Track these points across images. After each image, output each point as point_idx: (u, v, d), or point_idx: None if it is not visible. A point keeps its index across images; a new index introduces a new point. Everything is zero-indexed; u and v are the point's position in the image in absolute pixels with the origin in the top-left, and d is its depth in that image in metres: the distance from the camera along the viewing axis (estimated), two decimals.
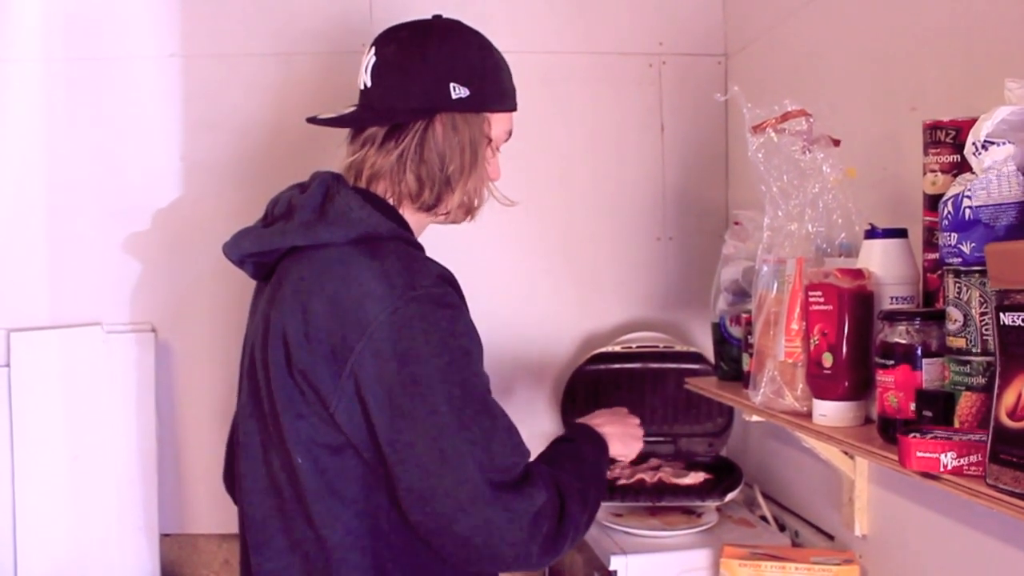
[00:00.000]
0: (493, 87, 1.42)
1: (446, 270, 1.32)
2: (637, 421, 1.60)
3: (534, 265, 2.20)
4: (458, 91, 1.36)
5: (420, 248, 1.38)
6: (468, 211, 1.46)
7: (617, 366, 2.13)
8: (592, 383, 2.13)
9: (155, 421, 2.04)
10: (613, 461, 1.56)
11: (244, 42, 2.10)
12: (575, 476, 1.36)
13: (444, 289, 1.28)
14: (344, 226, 1.29)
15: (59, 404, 1.99)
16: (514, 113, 1.47)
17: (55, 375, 2.00)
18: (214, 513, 2.09)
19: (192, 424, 2.10)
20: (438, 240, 2.07)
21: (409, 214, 1.41)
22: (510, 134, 1.48)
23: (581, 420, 1.57)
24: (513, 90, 1.46)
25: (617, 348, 2.14)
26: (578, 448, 1.46)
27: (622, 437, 1.53)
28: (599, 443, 1.49)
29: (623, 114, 2.22)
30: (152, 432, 2.04)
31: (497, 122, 1.43)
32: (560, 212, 2.21)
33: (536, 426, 2.21)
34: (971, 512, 1.30)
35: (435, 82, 1.36)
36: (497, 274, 2.18)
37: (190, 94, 2.08)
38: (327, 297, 1.25)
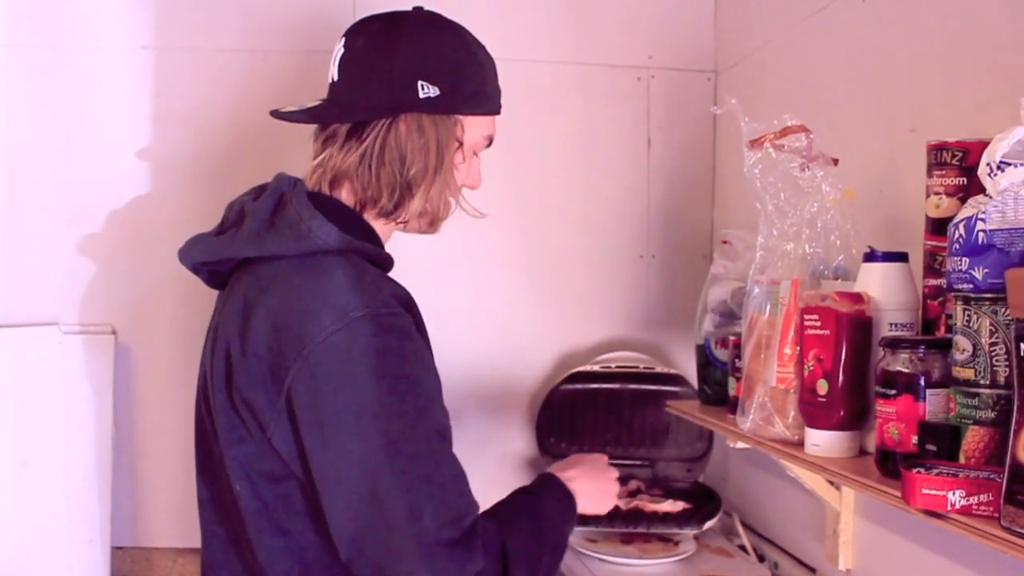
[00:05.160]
0: (469, 88, 1.30)
1: (402, 290, 1.22)
2: (615, 475, 1.47)
3: (512, 279, 2.14)
4: (427, 90, 1.26)
5: (384, 260, 1.29)
6: (431, 221, 1.35)
7: (595, 386, 2.07)
8: (569, 402, 2.07)
9: (111, 427, 1.96)
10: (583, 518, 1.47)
11: (221, 37, 2.02)
12: (529, 537, 1.24)
13: (393, 311, 1.16)
14: (292, 238, 1.19)
15: (10, 407, 1.90)
16: (496, 117, 1.36)
17: (7, 376, 1.91)
18: (170, 526, 2.00)
19: (151, 432, 2.02)
20: (415, 252, 2.02)
21: (372, 220, 1.31)
22: (491, 140, 1.37)
23: (553, 469, 1.42)
24: (495, 92, 1.36)
25: (596, 367, 2.08)
26: (539, 504, 1.32)
27: (594, 494, 1.40)
28: (566, 500, 1.35)
29: (609, 127, 2.17)
30: (108, 439, 1.95)
31: (473, 126, 1.32)
32: (541, 225, 2.15)
33: (510, 445, 2.15)
34: (966, 551, 1.25)
35: (402, 79, 1.25)
36: (474, 288, 2.13)
37: (161, 88, 2.00)
38: (268, 314, 1.16)
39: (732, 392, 1.54)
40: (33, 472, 1.90)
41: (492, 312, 2.13)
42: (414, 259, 2.03)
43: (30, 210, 1.97)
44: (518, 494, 1.34)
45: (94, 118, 1.98)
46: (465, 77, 1.30)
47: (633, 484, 2.02)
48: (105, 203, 1.99)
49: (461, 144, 1.31)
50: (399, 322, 1.16)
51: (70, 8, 1.97)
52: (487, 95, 1.34)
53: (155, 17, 1.99)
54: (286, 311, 1.15)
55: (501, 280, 2.14)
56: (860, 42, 1.58)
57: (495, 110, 1.36)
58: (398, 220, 1.32)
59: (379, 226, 1.32)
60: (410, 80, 1.26)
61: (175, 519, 1.98)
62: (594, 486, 1.41)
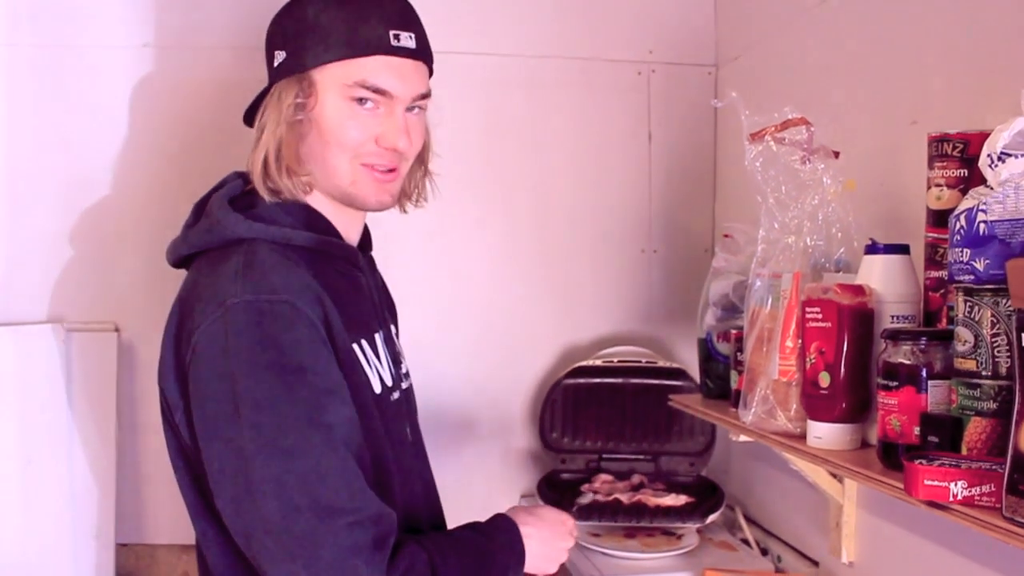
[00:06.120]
0: (315, 38, 1.20)
1: (304, 279, 1.15)
2: (570, 544, 1.35)
3: (514, 274, 2.14)
4: (278, 57, 1.23)
5: (335, 251, 1.25)
6: (344, 196, 1.25)
7: (597, 380, 2.07)
8: (571, 397, 2.07)
9: (115, 425, 1.96)
10: None
11: (223, 34, 2.02)
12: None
13: (275, 298, 1.10)
14: (206, 230, 1.20)
15: (14, 405, 1.89)
16: (379, 59, 1.21)
17: (10, 374, 1.90)
18: (174, 523, 2.00)
19: (154, 429, 1.96)
20: (417, 247, 2.02)
21: (319, 203, 1.27)
22: (370, 86, 1.21)
23: (516, 513, 1.31)
24: (354, 36, 1.20)
25: (598, 362, 2.08)
26: (487, 546, 1.22)
27: (539, 557, 1.28)
28: (516, 548, 1.25)
29: (610, 122, 2.17)
30: (111, 436, 1.95)
31: (327, 74, 1.20)
32: (543, 220, 2.15)
33: (513, 440, 2.15)
34: (969, 542, 1.25)
35: (267, 55, 1.27)
36: (476, 282, 2.12)
37: (163, 86, 2.00)
38: (178, 307, 1.18)
39: (734, 386, 1.54)
40: (38, 470, 1.89)
41: (494, 307, 2.13)
42: (416, 254, 2.05)
43: (32, 208, 1.96)
44: (466, 529, 1.26)
45: (96, 116, 1.98)
46: (310, 30, 1.21)
47: (636, 478, 2.02)
48: (107, 200, 1.99)
49: (309, 96, 1.21)
50: (279, 308, 1.10)
51: (71, 7, 1.96)
52: (336, 40, 1.21)
53: (156, 15, 1.99)
54: (187, 302, 1.16)
55: (503, 275, 2.14)
56: (861, 34, 1.57)
57: (348, 53, 1.21)
58: (283, 194, 1.24)
59: (337, 214, 1.28)
60: (269, 53, 1.27)
61: (180, 516, 1.94)
62: (545, 548, 1.30)
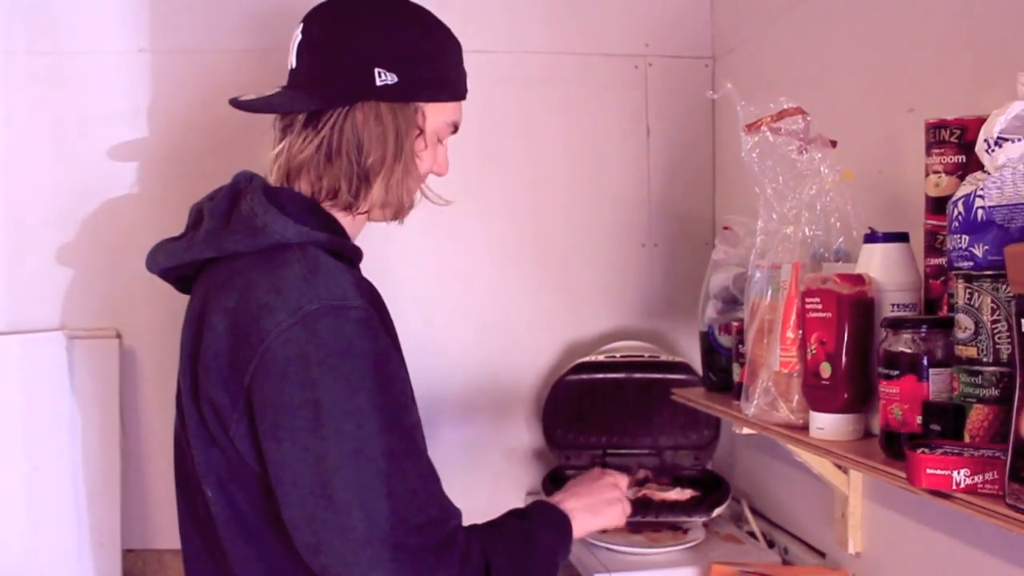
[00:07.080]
0: (429, 74, 1.26)
1: (364, 282, 1.18)
2: (612, 480, 1.42)
3: (515, 272, 2.14)
4: (383, 77, 1.22)
5: (349, 252, 1.25)
6: (396, 211, 1.31)
7: (600, 376, 2.06)
8: (575, 393, 2.06)
9: (119, 431, 1.96)
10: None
11: (219, 37, 2.02)
12: (516, 562, 1.20)
13: (351, 303, 1.11)
14: (248, 234, 1.16)
15: (18, 413, 1.90)
16: (462, 103, 1.33)
17: (14, 382, 1.91)
18: None
19: (158, 434, 2.02)
20: (415, 246, 2.02)
21: (335, 211, 1.27)
22: (456, 126, 1.33)
23: (548, 498, 1.38)
24: (458, 77, 1.32)
25: (601, 357, 2.07)
26: (531, 529, 1.26)
27: (594, 507, 1.36)
28: (560, 525, 1.30)
29: (607, 117, 2.16)
30: (116, 442, 1.96)
31: (435, 113, 1.28)
32: (542, 217, 2.15)
33: (516, 438, 2.15)
34: (975, 531, 1.24)
35: (357, 66, 1.22)
36: (476, 281, 2.12)
37: (159, 91, 2.00)
38: (226, 313, 1.14)
39: (736, 378, 1.53)
40: (43, 477, 1.90)
41: (495, 304, 2.13)
42: (414, 252, 2.05)
43: (31, 216, 1.97)
44: (510, 516, 1.29)
45: (94, 123, 1.98)
46: (425, 62, 1.26)
47: (641, 473, 2.01)
48: (106, 207, 1.99)
49: (422, 132, 1.27)
50: (357, 314, 1.11)
51: (65, 14, 1.96)
52: (449, 81, 1.30)
53: (150, 20, 1.99)
54: (243, 308, 1.12)
55: (503, 272, 2.14)
56: (856, 23, 1.57)
57: (459, 96, 1.32)
58: (358, 211, 1.28)
59: (345, 217, 1.29)
60: (366, 67, 1.22)
61: None
62: (590, 499, 1.36)
